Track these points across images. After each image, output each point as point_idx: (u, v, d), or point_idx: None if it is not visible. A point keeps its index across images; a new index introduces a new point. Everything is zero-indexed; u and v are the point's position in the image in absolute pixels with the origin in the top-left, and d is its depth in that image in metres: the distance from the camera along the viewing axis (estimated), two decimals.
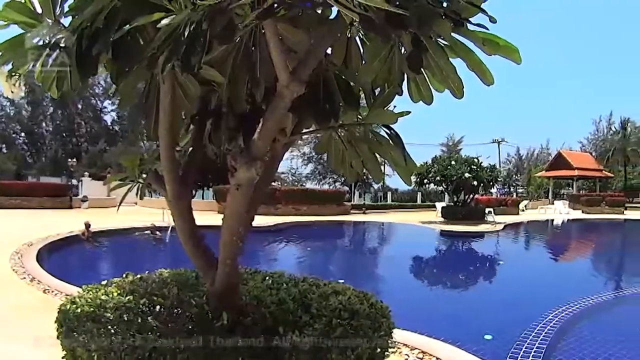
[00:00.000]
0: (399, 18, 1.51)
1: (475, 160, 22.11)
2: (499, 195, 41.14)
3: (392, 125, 2.19)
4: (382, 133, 2.23)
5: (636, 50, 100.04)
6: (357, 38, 2.24)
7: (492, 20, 1.75)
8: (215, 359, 2.09)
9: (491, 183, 22.47)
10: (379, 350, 2.31)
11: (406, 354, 4.21)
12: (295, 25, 1.93)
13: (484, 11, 1.75)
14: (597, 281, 10.42)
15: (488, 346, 4.82)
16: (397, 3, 1.50)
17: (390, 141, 2.21)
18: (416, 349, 4.32)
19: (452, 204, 23.27)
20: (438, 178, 21.17)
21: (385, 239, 20.22)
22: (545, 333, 5.16)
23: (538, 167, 64.32)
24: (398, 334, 4.51)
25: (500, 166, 61.18)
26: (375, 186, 41.89)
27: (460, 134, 70.91)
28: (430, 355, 4.18)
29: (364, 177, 30.08)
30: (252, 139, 2.04)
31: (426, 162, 22.42)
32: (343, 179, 35.87)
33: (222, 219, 2.31)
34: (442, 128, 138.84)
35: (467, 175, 20.39)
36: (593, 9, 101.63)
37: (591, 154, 58.17)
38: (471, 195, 23.06)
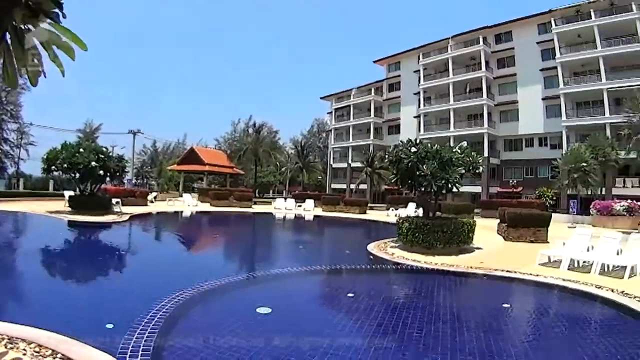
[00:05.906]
0: None
1: (104, 149, 22.06)
2: (130, 186, 41.74)
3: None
4: None
5: (279, 63, 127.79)
6: None
7: (64, 15, 2.06)
8: None
9: (118, 173, 22.76)
10: None
11: (24, 349, 4.25)
12: None
13: (59, 5, 2.03)
14: (216, 267, 11.38)
15: (108, 334, 4.98)
16: None
17: None
18: (33, 343, 4.38)
19: (80, 193, 22.21)
20: (66, 165, 20.07)
21: (6, 230, 17.75)
22: (161, 314, 5.67)
23: (172, 160, 68.60)
24: (14, 329, 4.68)
25: (134, 157, 61.92)
26: (10, 171, 35.10)
27: (100, 122, 68.33)
28: (47, 348, 4.32)
29: None
30: None
31: (55, 148, 20.85)
32: None
33: None
34: (85, 114, 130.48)
35: (94, 163, 20.16)
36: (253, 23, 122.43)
37: (225, 152, 66.19)
38: (99, 185, 22.66)
